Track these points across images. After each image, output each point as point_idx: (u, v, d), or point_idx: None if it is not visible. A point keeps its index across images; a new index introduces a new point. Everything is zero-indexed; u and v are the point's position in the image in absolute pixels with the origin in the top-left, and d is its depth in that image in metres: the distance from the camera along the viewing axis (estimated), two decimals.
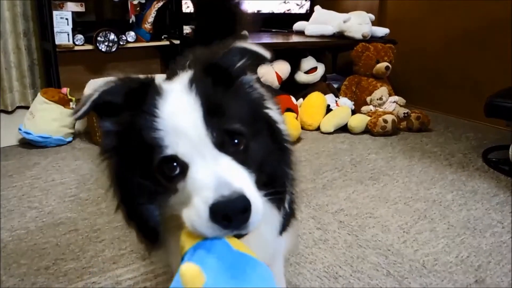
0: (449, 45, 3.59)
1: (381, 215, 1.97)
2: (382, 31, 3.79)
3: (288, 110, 3.09)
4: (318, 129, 3.19)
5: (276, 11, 4.19)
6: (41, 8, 2.99)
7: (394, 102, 3.34)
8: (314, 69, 3.59)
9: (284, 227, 1.05)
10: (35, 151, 2.64)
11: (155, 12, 3.27)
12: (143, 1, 3.26)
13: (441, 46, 3.64)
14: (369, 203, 2.08)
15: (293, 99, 3.26)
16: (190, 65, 0.96)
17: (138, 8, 3.27)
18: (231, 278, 0.63)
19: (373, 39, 3.67)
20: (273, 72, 3.37)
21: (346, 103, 3.33)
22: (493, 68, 3.29)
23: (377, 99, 3.32)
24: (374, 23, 3.76)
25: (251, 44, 0.78)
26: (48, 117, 2.65)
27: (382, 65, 3.38)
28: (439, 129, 3.30)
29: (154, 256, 0.90)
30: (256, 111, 0.81)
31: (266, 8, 4.11)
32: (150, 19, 3.26)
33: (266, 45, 0.80)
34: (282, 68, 3.43)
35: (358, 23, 3.65)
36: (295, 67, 3.56)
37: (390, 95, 3.38)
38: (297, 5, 4.25)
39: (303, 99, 3.37)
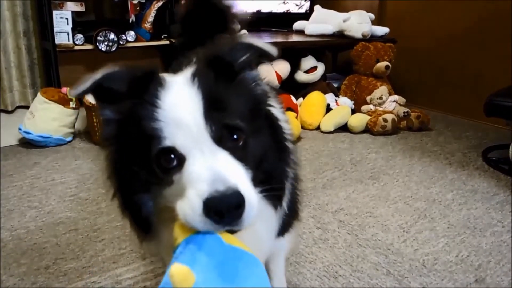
0: (449, 44, 3.59)
1: (381, 215, 1.97)
2: (382, 30, 3.78)
3: (288, 109, 3.09)
4: (318, 128, 3.19)
5: (275, 11, 4.18)
6: (41, 7, 3.00)
7: (394, 101, 3.34)
8: (314, 68, 3.58)
9: (286, 228, 1.04)
10: (35, 150, 2.64)
11: (155, 12, 3.27)
12: (143, 1, 3.26)
13: (441, 45, 3.64)
14: (369, 203, 2.08)
15: (293, 98, 3.26)
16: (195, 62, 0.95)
17: (138, 8, 3.28)
18: (221, 275, 0.62)
19: (373, 38, 3.67)
20: (273, 71, 3.37)
21: (346, 102, 3.33)
22: (493, 67, 3.29)
23: (377, 98, 3.32)
24: (374, 22, 3.75)
25: (257, 40, 0.77)
26: (48, 117, 2.65)
27: (382, 64, 3.38)
28: (439, 128, 3.30)
29: (145, 246, 0.89)
30: (258, 108, 0.80)
31: (265, 8, 4.10)
32: (150, 18, 3.26)
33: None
34: (282, 67, 3.43)
35: (358, 22, 3.65)
36: (295, 67, 3.55)
37: (390, 94, 3.38)
38: (297, 5, 4.24)
39: (303, 98, 3.37)
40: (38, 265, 1.54)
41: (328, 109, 3.26)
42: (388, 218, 1.94)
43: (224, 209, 0.63)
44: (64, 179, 2.25)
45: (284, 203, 0.90)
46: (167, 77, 0.77)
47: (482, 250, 1.70)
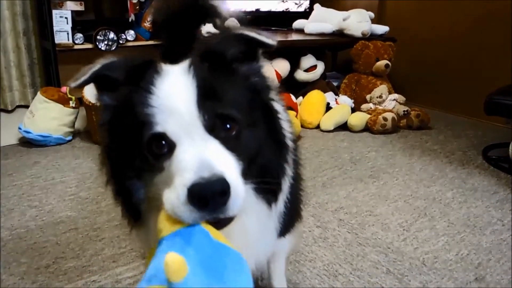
0: (448, 43, 3.59)
1: (381, 213, 1.97)
2: (381, 29, 3.78)
3: (288, 108, 3.08)
4: (318, 127, 3.19)
5: (274, 10, 4.18)
6: (40, 7, 2.99)
7: (394, 100, 3.34)
8: (313, 67, 3.58)
9: (287, 228, 1.04)
10: (35, 150, 2.63)
11: None
12: (143, 0, 3.25)
13: (441, 43, 3.64)
14: (369, 201, 2.08)
15: (292, 97, 3.26)
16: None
17: (137, 7, 3.27)
18: (209, 270, 0.62)
19: (372, 37, 3.67)
20: (272, 70, 3.37)
21: (345, 101, 3.32)
22: (493, 66, 3.29)
23: (377, 97, 3.32)
24: (373, 21, 3.75)
25: (252, 31, 0.76)
26: (48, 116, 2.65)
27: (381, 63, 3.37)
28: (439, 127, 3.30)
29: (134, 234, 0.89)
30: (256, 100, 0.79)
31: (264, 7, 4.10)
32: (150, 17, 3.26)
33: None
34: (282, 66, 3.43)
35: (357, 21, 3.65)
36: (294, 65, 3.55)
37: (390, 93, 3.38)
38: (296, 4, 4.24)
39: (303, 97, 3.37)
40: (38, 264, 1.54)
41: (328, 108, 3.26)
42: (388, 216, 1.94)
43: (209, 195, 0.63)
44: (64, 178, 2.25)
45: (282, 202, 0.89)
46: (165, 66, 0.77)
47: (482, 249, 1.70)
